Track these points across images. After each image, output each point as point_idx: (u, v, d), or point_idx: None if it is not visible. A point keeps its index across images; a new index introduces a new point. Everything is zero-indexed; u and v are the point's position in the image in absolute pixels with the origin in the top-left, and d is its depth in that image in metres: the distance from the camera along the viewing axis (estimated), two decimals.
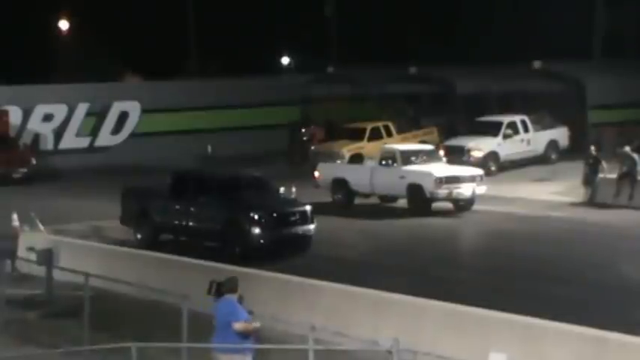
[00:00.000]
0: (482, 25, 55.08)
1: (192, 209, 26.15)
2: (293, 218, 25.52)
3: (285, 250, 24.97)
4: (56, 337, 18.16)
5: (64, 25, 65.54)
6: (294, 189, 28.16)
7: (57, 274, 20.91)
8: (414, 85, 50.83)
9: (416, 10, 60.77)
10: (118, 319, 18.67)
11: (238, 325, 13.10)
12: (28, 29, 61.13)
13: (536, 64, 46.53)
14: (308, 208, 25.85)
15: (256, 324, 13.26)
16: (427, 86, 50.43)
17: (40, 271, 21.64)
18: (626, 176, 31.70)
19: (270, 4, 64.12)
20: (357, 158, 39.27)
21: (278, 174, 33.84)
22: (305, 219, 25.61)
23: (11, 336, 18.34)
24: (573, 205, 32.53)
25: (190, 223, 26.22)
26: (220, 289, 13.51)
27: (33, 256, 22.08)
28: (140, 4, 61.86)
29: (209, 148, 46.42)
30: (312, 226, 25.69)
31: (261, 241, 24.95)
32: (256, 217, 25.01)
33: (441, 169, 31.88)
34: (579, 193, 32.98)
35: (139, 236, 27.26)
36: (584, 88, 46.12)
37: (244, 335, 13.15)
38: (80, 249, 23.74)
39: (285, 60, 67.53)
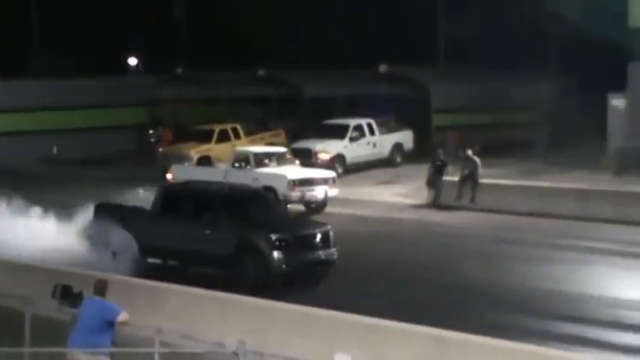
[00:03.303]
0: (329, 28, 55.54)
1: (190, 231, 22.54)
2: (316, 241, 22.37)
3: (305, 278, 22.04)
4: None
5: None
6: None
7: None
8: (263, 87, 51.06)
9: (266, 11, 60.86)
10: None
11: (126, 316, 13.15)
12: None
13: (382, 68, 47.32)
14: (329, 228, 22.83)
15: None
16: (275, 89, 50.73)
17: None
18: (468, 179, 32.53)
19: (119, 4, 63.25)
20: (205, 160, 39.27)
21: (126, 176, 33.43)
22: (327, 242, 22.43)
23: None
24: (418, 207, 33.21)
25: (188, 248, 22.47)
26: (66, 291, 13.37)
27: None
28: None
29: (54, 150, 45.53)
30: (334, 250, 22.55)
31: (284, 266, 21.70)
32: (275, 238, 21.77)
33: (294, 171, 32.09)
34: (423, 196, 33.68)
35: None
36: (428, 92, 47.17)
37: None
38: None
39: (133, 61, 66.74)
